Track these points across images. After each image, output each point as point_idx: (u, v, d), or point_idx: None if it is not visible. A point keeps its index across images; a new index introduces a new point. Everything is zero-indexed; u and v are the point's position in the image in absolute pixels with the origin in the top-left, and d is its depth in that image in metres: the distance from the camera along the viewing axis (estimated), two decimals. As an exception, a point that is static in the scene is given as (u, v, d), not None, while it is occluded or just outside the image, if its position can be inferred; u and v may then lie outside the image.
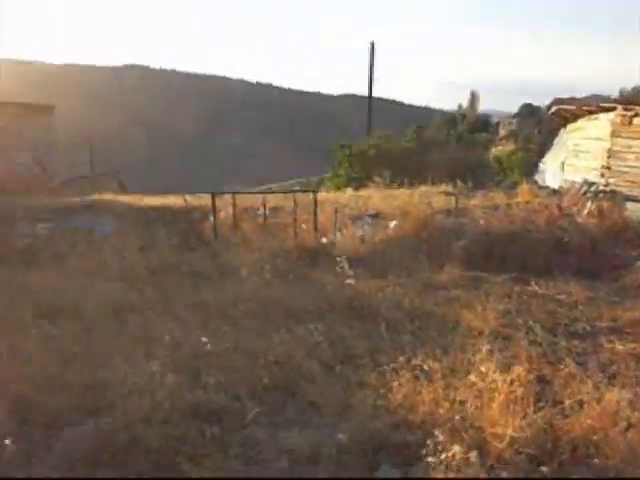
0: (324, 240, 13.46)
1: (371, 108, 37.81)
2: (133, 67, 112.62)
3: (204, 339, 7.20)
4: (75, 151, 32.28)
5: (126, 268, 11.56)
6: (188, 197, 17.07)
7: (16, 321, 8.29)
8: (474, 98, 50.74)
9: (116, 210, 16.60)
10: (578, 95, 24.62)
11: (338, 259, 10.04)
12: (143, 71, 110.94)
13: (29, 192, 19.52)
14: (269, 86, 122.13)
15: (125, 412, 6.01)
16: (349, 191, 19.82)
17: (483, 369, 6.37)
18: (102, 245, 13.29)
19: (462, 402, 6.10)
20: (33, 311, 8.68)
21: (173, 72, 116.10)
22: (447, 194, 18.45)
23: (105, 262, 11.88)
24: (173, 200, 17.87)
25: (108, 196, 19.15)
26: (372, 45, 38.55)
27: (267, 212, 15.00)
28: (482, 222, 14.27)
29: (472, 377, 6.38)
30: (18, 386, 6.61)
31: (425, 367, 6.56)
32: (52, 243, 13.73)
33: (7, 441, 5.25)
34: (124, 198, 18.95)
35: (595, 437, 5.54)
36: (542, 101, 52.91)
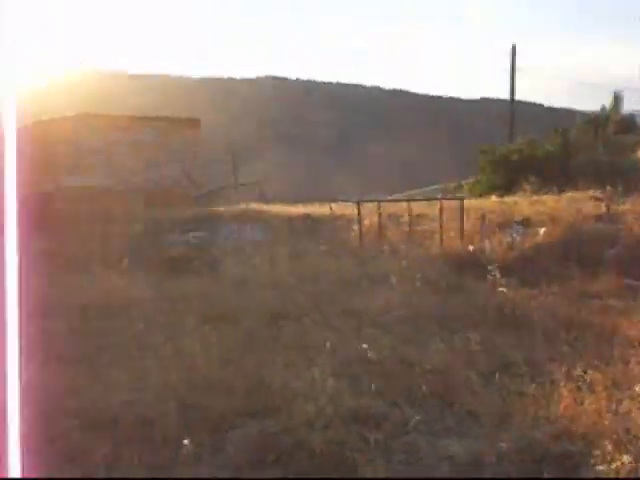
0: (471, 248, 13.35)
1: (513, 113, 37.40)
2: (268, 78, 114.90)
3: (364, 346, 7.31)
4: (216, 162, 33.33)
5: (277, 276, 11.85)
6: (333, 205, 17.32)
7: (179, 326, 8.66)
8: (618, 99, 48.90)
9: (263, 219, 17.05)
10: None
11: (489, 267, 9.96)
12: (279, 82, 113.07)
13: (178, 204, 20.31)
14: (405, 93, 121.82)
15: (288, 416, 6.18)
16: (493, 197, 19.55)
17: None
18: (252, 253, 13.68)
19: (626, 414, 5.95)
20: (194, 317, 9.05)
21: (309, 82, 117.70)
22: (596, 199, 17.87)
23: (257, 270, 12.22)
24: (317, 209, 18.18)
25: (254, 206, 19.67)
26: (513, 48, 38.19)
27: (411, 219, 15.04)
28: (635, 229, 13.79)
29: (637, 388, 6.21)
30: (184, 389, 6.92)
31: (587, 378, 6.44)
32: (204, 252, 14.25)
33: (185, 441, 5.49)
34: (269, 207, 19.41)
35: None
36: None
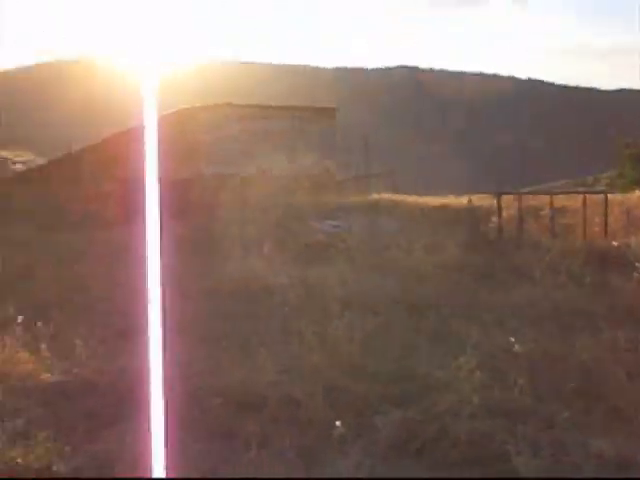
0: (615, 243, 12.93)
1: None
2: (402, 68, 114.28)
3: (511, 339, 7.24)
4: (350, 152, 33.52)
5: (414, 266, 11.86)
6: (471, 197, 17.15)
7: (321, 312, 8.82)
8: None
9: (398, 209, 17.08)
10: None
11: (637, 264, 9.63)
12: (412, 72, 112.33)
13: (314, 192, 20.59)
14: (540, 82, 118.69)
15: (432, 404, 6.21)
16: (638, 192, 18.82)
17: None
18: (388, 242, 13.74)
19: None
20: (335, 303, 9.18)
21: (441, 72, 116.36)
22: None
23: (394, 259, 12.27)
24: (452, 200, 18.04)
25: (387, 195, 19.72)
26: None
27: (552, 212, 14.70)
28: None
29: None
30: (328, 373, 7.06)
31: None
32: (341, 240, 14.41)
33: (338, 423, 5.61)
34: (403, 198, 19.41)
35: None
36: None
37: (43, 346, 7.82)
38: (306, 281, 10.82)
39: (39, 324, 8.45)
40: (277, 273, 11.23)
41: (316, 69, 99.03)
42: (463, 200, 17.23)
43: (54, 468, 5.61)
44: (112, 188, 20.49)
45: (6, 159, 26.38)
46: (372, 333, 8.26)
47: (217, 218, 16.08)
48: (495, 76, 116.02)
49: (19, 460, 5.64)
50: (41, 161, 26.19)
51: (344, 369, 7.14)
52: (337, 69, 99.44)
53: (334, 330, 8.03)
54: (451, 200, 17.91)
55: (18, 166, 26.01)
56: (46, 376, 7.42)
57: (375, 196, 19.34)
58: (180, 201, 16.01)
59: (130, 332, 7.91)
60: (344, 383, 6.85)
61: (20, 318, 8.57)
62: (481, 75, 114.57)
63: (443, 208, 17.04)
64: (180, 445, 5.54)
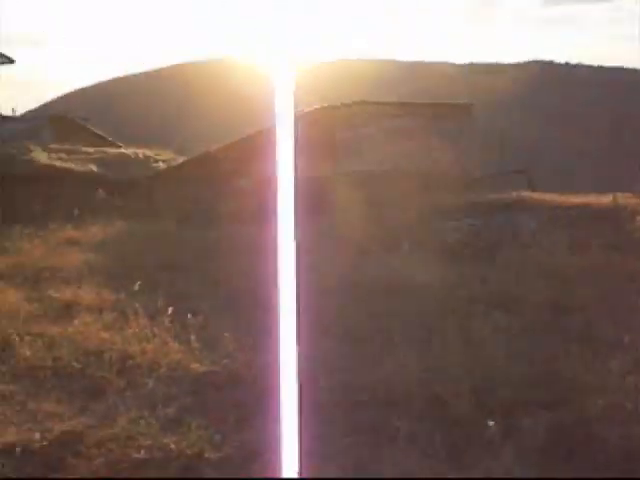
0: None
1: None
2: (535, 62, 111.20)
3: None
4: (485, 148, 33.04)
5: (555, 266, 11.64)
6: (616, 195, 16.60)
7: (465, 310, 8.83)
8: None
9: (537, 207, 16.75)
10: None
11: None
12: (545, 66, 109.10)
13: (450, 189, 20.44)
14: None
15: (581, 408, 6.13)
16: None
17: None
18: (528, 242, 13.53)
19: None
20: (477, 303, 9.18)
21: (578, 66, 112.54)
22: None
23: (534, 259, 12.09)
24: (594, 198, 17.51)
25: (526, 193, 19.33)
26: None
27: None
28: None
29: None
30: (473, 373, 7.06)
31: None
32: (479, 239, 14.29)
33: (490, 422, 5.64)
34: (542, 195, 18.98)
35: None
36: None
37: (193, 337, 8.17)
38: (447, 280, 10.82)
39: (189, 316, 8.84)
40: (417, 271, 11.27)
41: (450, 65, 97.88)
42: (606, 199, 16.70)
43: (205, 455, 5.88)
44: (249, 185, 21.03)
45: (148, 157, 27.46)
46: (517, 334, 8.21)
47: (354, 215, 16.23)
48: (636, 71, 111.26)
49: (172, 446, 5.95)
50: (181, 159, 27.15)
51: (489, 370, 7.12)
52: (472, 65, 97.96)
53: (478, 330, 8.03)
54: (593, 199, 17.37)
55: (160, 164, 27.02)
56: (195, 366, 7.73)
57: (513, 194, 19.00)
58: (316, 198, 16.26)
59: (273, 326, 8.16)
60: (490, 384, 6.84)
61: (170, 309, 8.99)
62: (623, 70, 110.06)
63: (585, 206, 16.56)
64: (326, 439, 5.72)
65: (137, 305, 9.21)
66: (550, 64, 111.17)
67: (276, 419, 5.96)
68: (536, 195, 19.06)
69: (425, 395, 6.63)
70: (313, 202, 13.61)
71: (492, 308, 9.09)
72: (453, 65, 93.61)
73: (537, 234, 14.39)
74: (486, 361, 7.31)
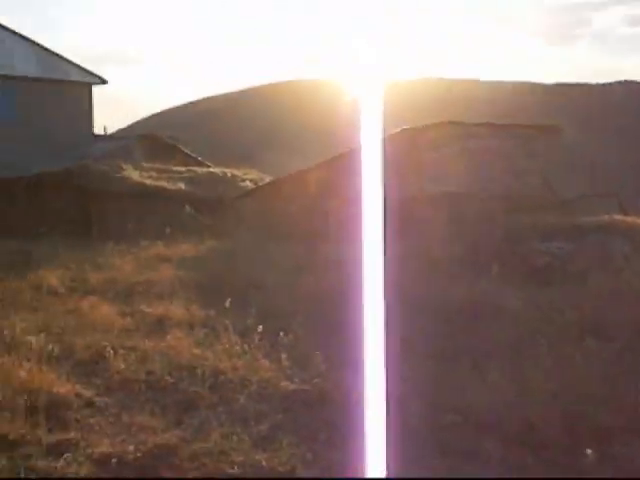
0: None
1: None
2: (625, 83, 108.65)
3: None
4: (573, 170, 32.47)
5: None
6: None
7: (557, 334, 8.68)
8: None
9: (630, 231, 16.36)
10: None
11: None
12: (631, 86, 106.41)
13: (538, 211, 20.11)
14: None
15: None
16: None
17: None
18: (621, 266, 13.22)
19: None
20: (569, 328, 9.01)
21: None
22: None
23: (628, 284, 11.80)
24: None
25: (617, 217, 18.88)
26: None
27: None
28: None
29: None
30: (566, 398, 6.95)
31: None
32: (569, 262, 14.04)
33: (588, 450, 5.55)
34: (634, 220, 18.51)
35: None
36: None
37: (283, 356, 8.24)
38: (537, 304, 10.66)
39: (281, 334, 8.92)
40: (507, 294, 11.14)
41: (535, 85, 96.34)
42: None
43: (296, 473, 5.93)
44: (336, 205, 21.13)
45: (236, 177, 27.95)
46: (610, 359, 8.04)
47: (440, 236, 16.14)
48: None
49: (264, 463, 6.02)
50: (268, 179, 27.54)
51: (583, 396, 6.99)
52: (558, 85, 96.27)
53: (571, 356, 7.89)
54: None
55: (247, 183, 27.47)
56: (285, 384, 7.80)
57: (605, 217, 18.58)
58: (403, 218, 16.23)
59: (362, 346, 8.15)
60: (583, 410, 6.72)
61: (260, 327, 9.08)
62: None
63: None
64: (418, 460, 5.70)
65: (227, 322, 9.35)
66: (634, 83, 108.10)
67: (364, 439, 5.97)
68: (629, 219, 18.62)
69: (517, 419, 6.55)
70: (400, 222, 13.58)
71: (585, 333, 8.91)
72: (536, 84, 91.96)
73: (630, 258, 14.05)
74: (580, 387, 7.17)
